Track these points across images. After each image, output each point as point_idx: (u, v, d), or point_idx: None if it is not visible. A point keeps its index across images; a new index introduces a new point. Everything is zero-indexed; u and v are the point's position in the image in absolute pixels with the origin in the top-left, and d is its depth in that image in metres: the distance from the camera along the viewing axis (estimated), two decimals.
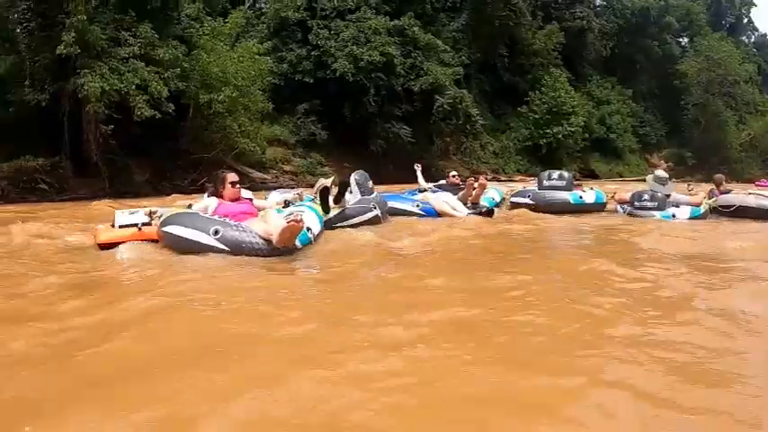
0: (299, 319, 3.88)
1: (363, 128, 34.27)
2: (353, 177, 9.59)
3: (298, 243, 6.50)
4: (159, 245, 6.75)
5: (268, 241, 6.16)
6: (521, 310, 4.16)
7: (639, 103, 60.80)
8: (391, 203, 10.43)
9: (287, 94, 34.21)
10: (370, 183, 9.78)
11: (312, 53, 34.06)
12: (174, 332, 3.70)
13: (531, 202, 12.09)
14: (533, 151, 46.04)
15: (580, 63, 55.67)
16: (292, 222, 6.07)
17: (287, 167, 31.63)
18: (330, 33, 34.15)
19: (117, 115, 21.31)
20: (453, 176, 12.71)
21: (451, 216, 10.25)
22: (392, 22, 35.17)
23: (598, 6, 60.65)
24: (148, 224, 7.08)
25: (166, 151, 25.18)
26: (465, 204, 10.88)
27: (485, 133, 44.56)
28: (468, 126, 36.59)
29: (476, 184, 11.08)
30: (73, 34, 20.41)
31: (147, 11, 23.56)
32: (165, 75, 22.57)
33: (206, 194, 7.35)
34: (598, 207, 12.10)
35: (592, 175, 46.46)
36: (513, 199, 12.64)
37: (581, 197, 12.01)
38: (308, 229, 6.87)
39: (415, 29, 35.64)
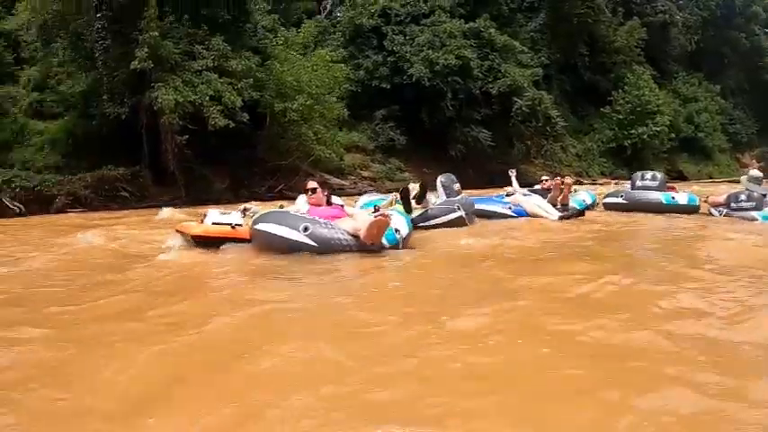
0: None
1: (442, 132, 33.72)
2: (439, 180, 10.03)
3: (385, 242, 6.68)
4: (252, 245, 7.10)
5: (356, 237, 6.40)
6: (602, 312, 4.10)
7: (728, 100, 58.18)
8: (483, 206, 10.71)
9: (364, 100, 33.94)
10: (457, 185, 10.00)
11: (388, 59, 33.65)
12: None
13: (625, 201, 12.15)
14: (618, 153, 44.33)
15: (664, 59, 53.58)
16: (380, 217, 6.31)
17: (365, 173, 31.24)
18: (405, 39, 33.65)
19: (192, 126, 21.60)
20: (546, 181, 12.70)
21: (542, 217, 10.27)
22: (467, 25, 34.49)
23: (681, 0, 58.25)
24: (240, 225, 7.46)
25: (244, 160, 25.41)
26: (555, 206, 10.87)
27: (567, 135, 43.34)
28: (547, 128, 35.53)
29: (562, 185, 11.17)
30: (146, 50, 20.95)
31: (220, 24, 23.82)
32: (239, 85, 22.74)
33: (300, 197, 7.67)
34: (690, 209, 11.85)
35: (680, 177, 44.29)
36: (607, 200, 12.65)
37: (673, 198, 11.93)
38: (396, 230, 6.98)
39: (491, 30, 34.86)
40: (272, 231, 6.63)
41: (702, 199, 12.09)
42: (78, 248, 7.95)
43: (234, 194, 24.27)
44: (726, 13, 57.13)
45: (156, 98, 20.83)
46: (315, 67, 26.21)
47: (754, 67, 58.83)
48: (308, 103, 24.57)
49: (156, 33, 21.16)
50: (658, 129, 43.10)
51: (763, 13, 59.73)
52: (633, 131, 43.09)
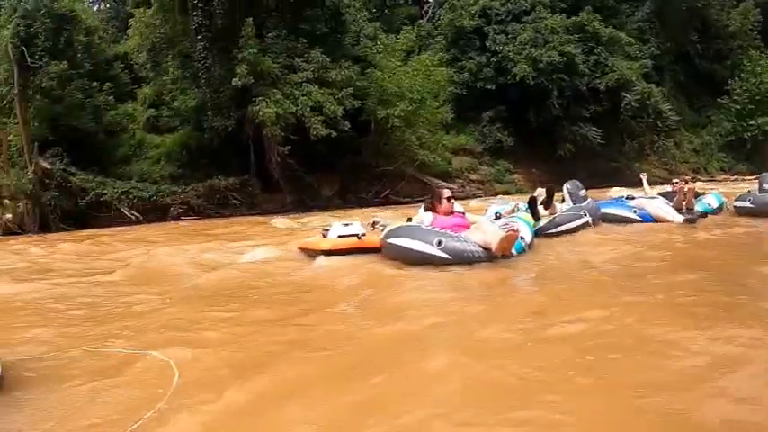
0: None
1: (549, 132, 32.90)
2: (566, 186, 10.28)
3: (513, 251, 6.92)
4: (381, 255, 7.43)
5: (486, 249, 6.64)
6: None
7: None
8: (609, 210, 10.56)
9: (470, 102, 33.54)
10: (583, 191, 10.24)
11: (491, 59, 33.11)
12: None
13: (752, 206, 10.71)
14: (737, 146, 41.59)
15: None
16: (510, 232, 6.65)
17: (473, 176, 30.78)
18: (507, 38, 32.97)
19: (294, 136, 22.32)
20: (677, 183, 11.98)
21: (668, 222, 9.96)
22: (570, 19, 33.53)
23: None
24: (364, 234, 7.84)
25: (350, 166, 26.08)
26: (680, 210, 10.44)
27: (681, 129, 41.38)
28: (659, 123, 33.88)
29: (685, 188, 10.80)
30: (245, 66, 21.93)
31: (318, 36, 24.41)
32: (339, 95, 23.15)
33: (421, 209, 7.87)
34: None
35: None
36: (737, 203, 11.35)
37: None
38: (522, 238, 7.22)
39: (595, 23, 33.65)
40: (407, 246, 6.93)
41: None
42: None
43: (342, 200, 25.21)
44: None
45: (258, 112, 21.61)
46: (415, 73, 25.90)
47: None
48: (409, 108, 24.41)
49: (255, 50, 22.04)
50: None
51: None
52: (753, 122, 40.34)
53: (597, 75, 32.79)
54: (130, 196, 22.08)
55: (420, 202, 23.62)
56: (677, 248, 7.87)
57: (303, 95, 22.45)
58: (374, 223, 8.22)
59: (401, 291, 5.73)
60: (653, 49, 39.17)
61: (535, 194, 9.14)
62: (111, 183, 22.16)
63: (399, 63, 26.33)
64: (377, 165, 26.13)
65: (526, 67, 30.90)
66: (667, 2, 40.69)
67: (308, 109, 22.11)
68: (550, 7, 34.08)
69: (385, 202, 24.78)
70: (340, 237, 7.78)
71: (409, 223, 7.63)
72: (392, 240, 7.20)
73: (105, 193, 21.65)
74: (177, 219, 21.99)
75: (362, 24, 33.57)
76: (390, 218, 9.15)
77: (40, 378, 3.35)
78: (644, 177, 13.48)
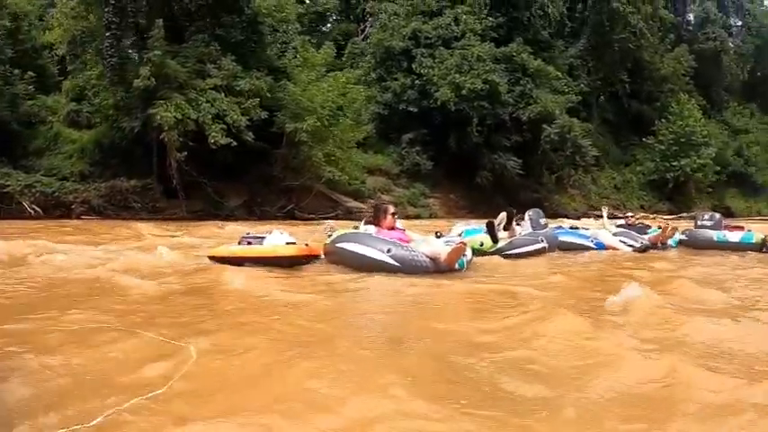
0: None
1: (469, 159, 32.92)
2: (527, 214, 11.08)
3: (456, 266, 7.31)
4: (327, 260, 7.83)
5: (433, 260, 7.09)
6: None
7: None
8: (569, 238, 11.67)
9: (392, 123, 33.70)
10: (543, 219, 11.22)
11: (416, 82, 33.05)
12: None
13: (686, 238, 13.13)
14: (659, 186, 42.86)
15: (715, 89, 51.93)
16: (459, 244, 7.22)
17: (386, 197, 30.50)
18: (434, 62, 32.99)
19: (192, 143, 22.07)
20: (631, 217, 14.09)
21: (617, 250, 11.32)
22: (500, 49, 33.66)
23: (733, 27, 56.47)
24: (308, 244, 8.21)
25: (260, 178, 25.80)
26: (656, 244, 12.26)
27: (606, 165, 42.21)
28: (577, 157, 34.13)
29: (669, 228, 12.75)
30: (149, 68, 21.60)
31: (233, 44, 24.23)
32: (246, 104, 22.91)
33: (363, 222, 8.22)
34: (744, 246, 12.39)
35: (727, 213, 42.26)
36: (681, 237, 13.48)
37: (725, 236, 12.65)
38: (464, 254, 7.58)
39: (524, 55, 33.96)
40: (357, 251, 7.26)
41: (762, 236, 12.58)
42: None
43: (247, 212, 24.88)
44: None
45: (156, 115, 21.32)
46: (330, 89, 25.61)
47: None
48: (317, 124, 24.11)
49: (161, 52, 21.76)
50: (703, 161, 41.30)
51: None
52: (676, 163, 41.45)
53: (521, 105, 33.12)
54: (33, 190, 21.78)
55: (326, 218, 23.78)
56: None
57: (207, 102, 22.24)
58: (330, 228, 8.64)
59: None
60: (582, 85, 39.91)
61: (495, 220, 9.63)
62: (15, 175, 21.83)
63: (314, 78, 26.00)
64: (285, 178, 25.89)
65: (448, 92, 30.95)
66: (601, 41, 41.49)
67: (210, 116, 21.88)
68: (481, 35, 34.08)
69: (289, 217, 24.52)
70: (288, 243, 7.85)
71: (359, 231, 7.94)
72: (343, 245, 7.51)
73: (9, 185, 21.34)
74: (78, 217, 21.69)
75: (292, 36, 33.60)
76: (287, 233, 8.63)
77: None
78: (605, 210, 15.38)
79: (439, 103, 31.39)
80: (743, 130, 51.70)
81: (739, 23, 57.20)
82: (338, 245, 7.59)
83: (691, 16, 54.03)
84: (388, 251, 7.08)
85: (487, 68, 31.83)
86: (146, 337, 3.81)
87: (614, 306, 5.10)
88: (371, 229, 7.81)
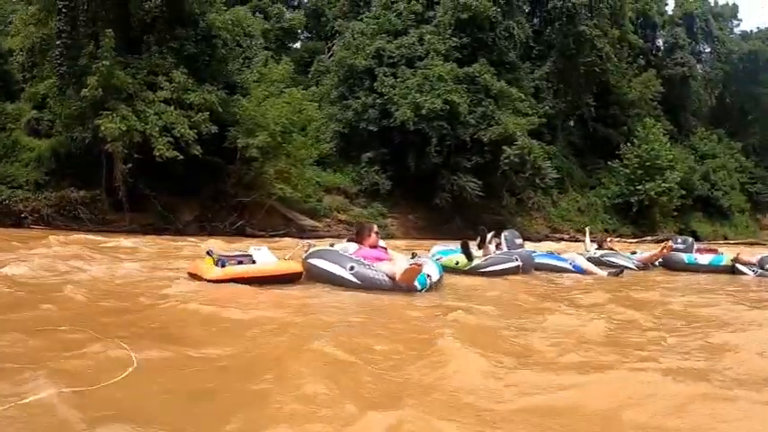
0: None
1: (429, 179, 33.00)
2: (504, 234, 11.36)
3: (417, 285, 7.54)
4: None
5: (392, 279, 7.42)
6: None
7: (750, 158, 56.82)
8: (547, 260, 12.11)
9: (353, 142, 33.96)
10: (519, 240, 11.48)
11: (377, 101, 33.21)
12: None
13: (662, 260, 13.76)
14: (624, 209, 43.19)
15: (682, 114, 52.67)
16: (414, 265, 7.43)
17: (342, 216, 30.73)
18: (396, 81, 33.20)
19: (138, 155, 22.23)
20: (610, 241, 15.21)
21: (593, 274, 11.51)
22: (463, 69, 33.85)
23: (702, 53, 57.33)
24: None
25: (213, 193, 26.00)
26: (648, 265, 13.28)
27: (570, 188, 42.54)
28: (537, 179, 34.28)
29: (666, 250, 13.47)
30: (96, 78, 21.75)
31: (186, 57, 24.56)
32: (195, 118, 23.08)
33: (346, 240, 8.91)
34: (713, 269, 13.05)
35: (693, 237, 42.51)
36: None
37: (696, 259, 13.39)
38: (428, 275, 7.81)
39: (487, 76, 34.08)
40: (324, 267, 7.84)
41: (732, 257, 13.14)
42: None
43: (198, 227, 24.88)
44: (749, 68, 56.13)
45: (99, 126, 21.54)
46: (284, 105, 25.72)
47: None
48: (268, 140, 24.18)
49: (108, 63, 21.81)
50: (668, 185, 41.66)
51: None
52: (640, 187, 41.82)
53: (483, 126, 33.12)
54: None
55: (276, 236, 23.77)
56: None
57: (155, 114, 22.41)
58: (309, 245, 8.85)
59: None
60: (547, 107, 40.27)
61: (468, 242, 10.27)
62: None
63: (269, 93, 26.18)
64: (237, 194, 26.01)
65: (408, 111, 31.13)
66: (567, 64, 41.97)
67: (157, 129, 22.04)
68: (444, 56, 34.35)
69: (240, 234, 24.46)
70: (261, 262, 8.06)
71: (330, 247, 8.47)
72: (313, 261, 8.08)
73: None
74: (29, 227, 21.88)
75: (256, 51, 33.81)
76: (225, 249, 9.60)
77: None
78: (587, 230, 16.97)
79: (398, 122, 31.58)
80: (710, 154, 52.33)
81: (708, 50, 58.05)
82: (309, 260, 8.13)
83: (660, 41, 54.71)
84: (351, 269, 7.61)
85: (448, 89, 32.06)
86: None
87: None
88: (353, 246, 8.33)
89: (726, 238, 44.97)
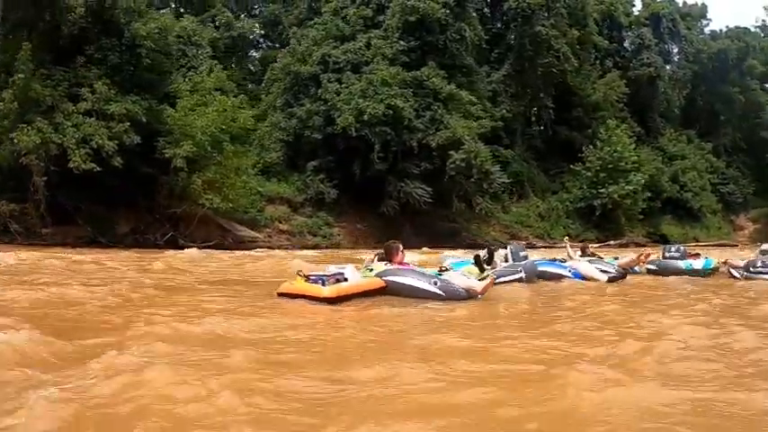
0: None
1: (375, 187, 33.33)
2: (509, 248, 12.93)
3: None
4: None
5: (466, 290, 9.11)
6: None
7: (722, 158, 57.49)
8: (549, 268, 13.00)
9: (298, 150, 34.46)
10: (523, 252, 12.95)
11: (321, 108, 33.59)
12: None
13: (656, 268, 15.08)
14: (587, 213, 43.34)
15: (651, 115, 53.11)
16: (492, 279, 9.57)
17: (284, 227, 31.09)
18: (340, 86, 33.53)
19: (55, 167, 22.68)
20: (590, 246, 16.55)
21: (594, 279, 12.81)
22: (411, 73, 34.26)
23: (670, 53, 57.94)
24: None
25: (149, 204, 26.46)
26: (633, 268, 14.54)
27: (532, 193, 42.83)
28: (485, 184, 34.52)
29: (643, 256, 15.03)
30: (11, 91, 22.41)
31: (110, 67, 24.97)
32: (116, 129, 23.42)
33: (376, 258, 9.95)
34: (705, 272, 14.68)
35: (663, 240, 43.06)
36: (648, 266, 15.33)
37: (692, 264, 14.81)
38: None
39: (435, 79, 34.50)
40: (409, 283, 9.07)
41: (721, 261, 15.18)
42: None
43: (133, 239, 25.39)
44: (719, 67, 56.82)
45: (13, 139, 22.01)
46: (212, 113, 25.99)
47: (750, 123, 58.36)
48: (193, 149, 24.45)
49: (24, 75, 22.26)
50: (632, 188, 41.91)
51: (759, 67, 59.29)
52: (603, 190, 42.04)
53: (431, 131, 33.47)
54: None
55: (207, 247, 23.94)
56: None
57: (72, 126, 22.87)
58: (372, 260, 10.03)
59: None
60: (504, 111, 40.56)
61: (480, 253, 11.37)
62: None
63: (194, 102, 26.67)
64: (169, 206, 26.41)
65: (350, 117, 31.48)
66: (524, 66, 42.38)
67: (74, 140, 22.47)
68: (391, 60, 34.71)
69: (172, 245, 24.57)
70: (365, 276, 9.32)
71: (404, 267, 9.61)
72: (393, 278, 9.17)
73: None
74: None
75: (202, 60, 34.08)
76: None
77: None
78: (567, 240, 18.23)
79: (340, 128, 31.99)
80: (679, 156, 52.77)
81: (675, 49, 58.63)
82: (390, 278, 9.17)
83: (627, 43, 55.22)
84: (435, 283, 9.03)
85: (392, 93, 32.48)
86: None
87: None
88: (382, 265, 9.52)
89: (697, 241, 45.15)
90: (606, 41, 51.69)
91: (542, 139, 46.40)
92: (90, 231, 24.74)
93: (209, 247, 24.57)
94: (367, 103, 31.89)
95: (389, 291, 9.04)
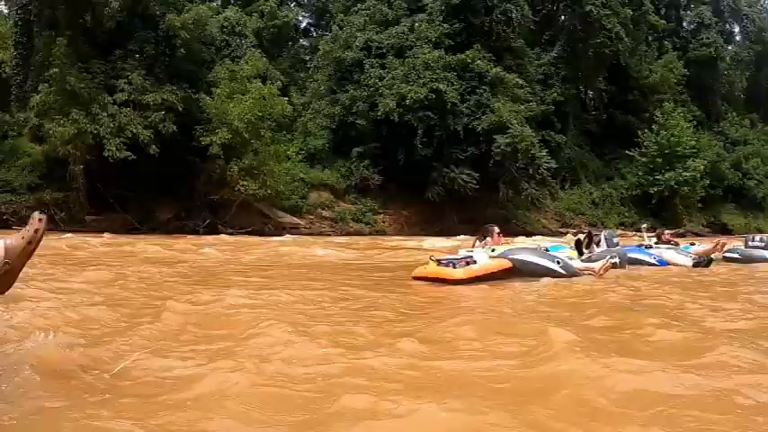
0: None
1: (421, 173, 33.16)
2: (603, 234, 13.45)
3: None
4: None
5: (583, 270, 10.21)
6: None
7: None
8: (634, 255, 13.61)
9: (344, 137, 34.59)
10: (616, 239, 13.89)
11: (364, 94, 33.51)
12: None
13: (739, 257, 15.44)
14: (642, 201, 42.37)
15: (711, 98, 51.53)
16: (610, 261, 10.52)
17: (326, 213, 31.26)
18: (383, 72, 33.39)
19: (91, 156, 24.17)
20: (667, 234, 16.26)
21: (680, 265, 13.17)
22: (455, 56, 33.93)
23: (733, 33, 56.30)
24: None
25: (189, 191, 27.44)
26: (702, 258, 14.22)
27: (585, 179, 42.11)
28: (530, 170, 33.98)
29: (720, 244, 15.26)
30: (46, 85, 23.66)
31: (146, 58, 26.11)
32: (152, 118, 24.38)
33: (476, 242, 10.70)
34: None
35: (724, 230, 41.96)
36: (727, 254, 15.68)
37: None
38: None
39: (481, 62, 34.05)
40: (536, 261, 9.87)
41: None
42: None
43: (176, 226, 26.14)
44: None
45: (49, 130, 23.33)
46: (249, 101, 26.20)
47: None
48: (228, 136, 24.74)
49: (58, 70, 23.35)
50: (690, 174, 40.65)
51: None
52: (660, 177, 41.05)
53: (478, 116, 33.13)
54: None
55: (245, 233, 24.16)
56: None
57: (108, 116, 23.73)
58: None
59: None
60: (556, 94, 39.89)
61: (580, 237, 12.79)
62: None
63: (229, 90, 27.15)
64: (208, 192, 27.13)
65: (391, 102, 31.33)
66: (575, 48, 41.58)
67: (109, 130, 23.38)
68: (435, 43, 34.43)
69: (212, 232, 24.97)
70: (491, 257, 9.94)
71: (529, 245, 11.72)
72: (518, 256, 9.94)
73: None
74: (9, 227, 22.87)
75: (245, 50, 34.31)
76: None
77: None
78: (643, 227, 18.58)
79: (382, 114, 31.84)
80: (741, 141, 51.31)
81: (737, 29, 57.07)
82: (513, 257, 9.87)
83: (685, 22, 53.85)
84: (559, 263, 9.95)
85: (435, 77, 32.31)
86: None
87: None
88: (502, 246, 10.47)
89: (760, 231, 43.69)
90: (663, 21, 50.38)
91: (597, 123, 45.45)
92: (131, 218, 25.65)
93: (246, 233, 24.93)
94: (409, 88, 31.80)
95: (514, 270, 9.62)
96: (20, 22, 25.38)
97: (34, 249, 2.99)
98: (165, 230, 24.83)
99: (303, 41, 48.01)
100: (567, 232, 34.01)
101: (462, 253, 9.99)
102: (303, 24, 49.05)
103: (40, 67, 24.82)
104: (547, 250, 11.04)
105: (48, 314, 5.06)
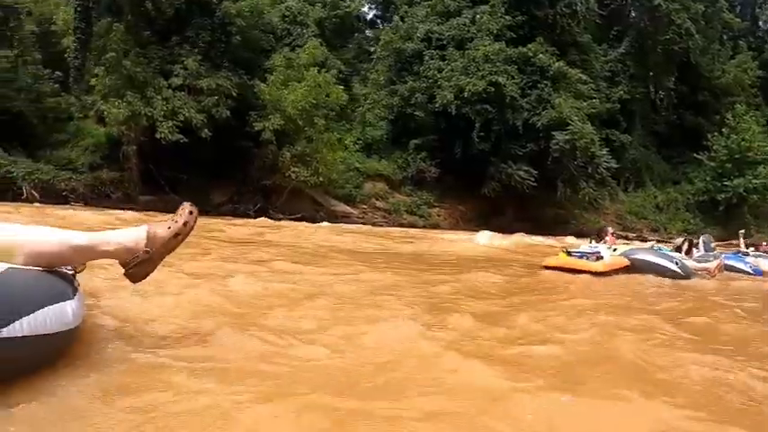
0: None
1: (478, 168, 33.02)
2: (702, 239, 14.27)
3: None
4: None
5: (702, 270, 10.87)
6: None
7: None
8: (731, 262, 13.55)
9: (402, 128, 34.73)
10: (713, 243, 14.55)
11: (423, 85, 33.60)
12: None
13: None
14: (709, 208, 40.95)
15: None
16: (720, 262, 11.37)
17: (380, 204, 31.43)
18: (443, 63, 33.38)
19: (145, 138, 25.23)
20: (765, 244, 16.50)
21: None
22: (516, 49, 33.65)
23: None
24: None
25: (243, 176, 28.36)
26: None
27: (650, 182, 41.34)
28: (589, 168, 33.39)
29: None
30: (102, 68, 24.79)
31: (202, 45, 26.87)
32: (205, 102, 25.24)
33: (592, 241, 11.60)
34: None
35: None
36: None
37: None
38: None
39: (542, 56, 33.83)
40: (656, 261, 10.53)
41: None
42: None
43: (229, 209, 26.84)
44: None
45: (103, 111, 24.47)
46: (304, 88, 26.60)
47: None
48: (281, 123, 25.30)
49: (115, 54, 24.42)
50: (761, 181, 39.03)
51: None
52: (728, 183, 39.63)
53: (538, 111, 32.88)
54: (33, 177, 24.79)
55: (293, 219, 24.49)
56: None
57: (162, 99, 24.61)
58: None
59: None
60: (622, 92, 39.31)
61: (678, 243, 13.06)
62: (21, 162, 24.93)
63: (284, 78, 27.77)
64: (261, 177, 27.90)
65: (449, 94, 31.34)
66: (644, 44, 40.87)
67: (162, 113, 24.25)
68: (496, 36, 34.23)
69: (262, 215, 25.25)
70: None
71: (648, 246, 12.48)
72: (640, 256, 10.73)
73: (13, 172, 24.38)
74: (66, 203, 24.12)
75: (306, 39, 34.59)
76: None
77: None
78: (741, 234, 18.09)
79: (440, 106, 31.86)
80: None
81: None
82: (635, 256, 10.67)
83: (761, 21, 52.52)
84: (677, 263, 10.48)
85: (494, 69, 32.13)
86: None
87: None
88: (624, 246, 11.64)
89: None
90: (738, 19, 49.20)
91: (666, 124, 44.46)
92: (184, 200, 25.74)
93: (296, 220, 25.15)
94: (468, 80, 31.75)
95: (632, 268, 10.27)
96: (79, 9, 26.86)
97: (180, 242, 2.99)
98: (218, 213, 24.99)
99: (368, 32, 48.31)
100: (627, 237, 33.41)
101: (585, 248, 10.79)
102: (369, 16, 49.98)
103: (100, 52, 25.85)
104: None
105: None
